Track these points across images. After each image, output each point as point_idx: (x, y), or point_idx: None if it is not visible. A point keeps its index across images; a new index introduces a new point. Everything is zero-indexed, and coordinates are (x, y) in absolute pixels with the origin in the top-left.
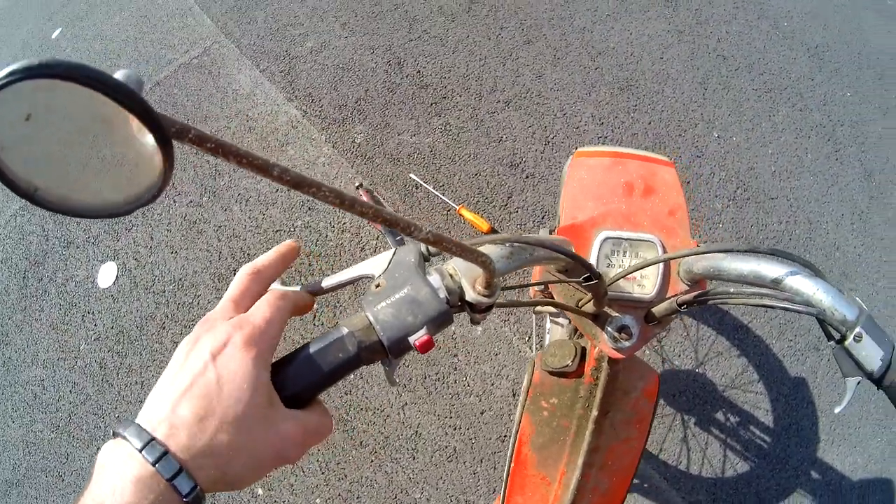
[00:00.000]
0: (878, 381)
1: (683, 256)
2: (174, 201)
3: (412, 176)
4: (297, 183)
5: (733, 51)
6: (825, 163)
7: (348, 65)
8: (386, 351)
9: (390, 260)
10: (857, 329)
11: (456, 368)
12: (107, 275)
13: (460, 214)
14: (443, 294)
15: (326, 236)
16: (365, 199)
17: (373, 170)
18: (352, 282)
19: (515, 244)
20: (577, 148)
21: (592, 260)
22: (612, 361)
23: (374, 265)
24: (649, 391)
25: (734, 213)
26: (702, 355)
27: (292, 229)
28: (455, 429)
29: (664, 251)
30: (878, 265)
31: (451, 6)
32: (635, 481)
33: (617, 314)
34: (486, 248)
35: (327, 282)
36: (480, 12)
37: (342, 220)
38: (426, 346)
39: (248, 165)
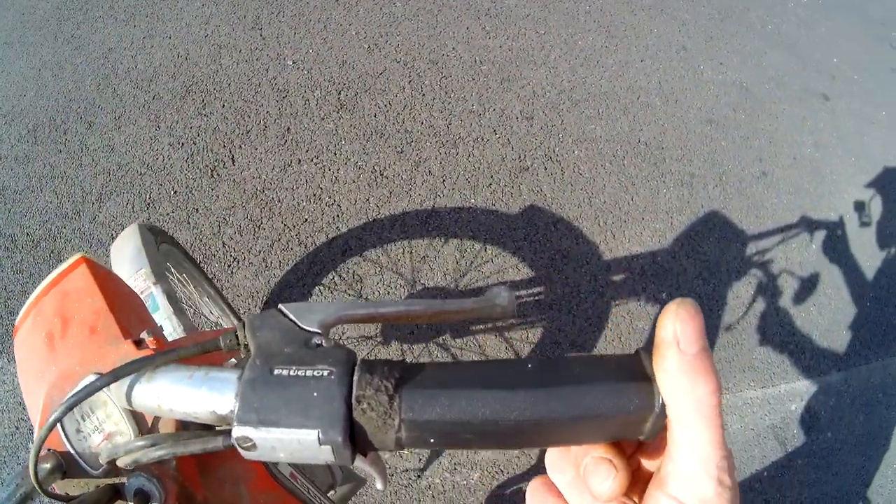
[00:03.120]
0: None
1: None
2: None
3: None
4: None
5: None
6: (426, 23)
7: None
8: None
9: None
10: (238, 430)
11: None
12: None
13: None
14: None
15: None
16: None
17: None
18: None
19: None
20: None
21: (70, 448)
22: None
23: None
24: (258, 482)
25: (350, 120)
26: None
27: None
28: None
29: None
30: (539, 65)
31: (19, 148)
32: None
33: (125, 480)
34: None
35: None
36: (44, 134)
37: None
38: None
39: None
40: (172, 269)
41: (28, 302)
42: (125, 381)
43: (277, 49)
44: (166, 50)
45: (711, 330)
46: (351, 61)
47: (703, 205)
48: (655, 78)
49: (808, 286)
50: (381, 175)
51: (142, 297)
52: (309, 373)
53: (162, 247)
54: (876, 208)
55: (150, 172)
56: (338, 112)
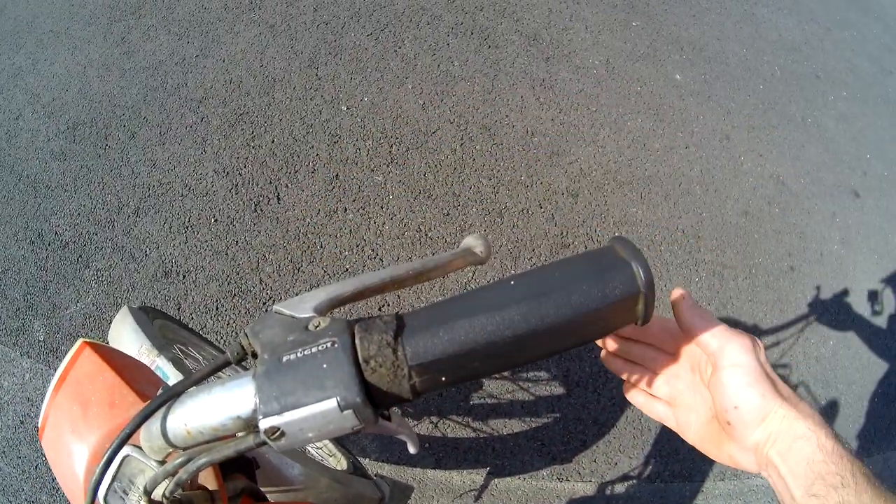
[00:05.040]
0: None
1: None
2: None
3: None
4: None
5: (334, 10)
6: (482, 63)
7: (4, 265)
8: None
9: None
10: (264, 422)
11: None
12: None
13: None
14: None
15: None
16: None
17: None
18: None
19: None
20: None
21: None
22: None
23: None
24: None
25: (399, 175)
26: None
27: None
28: None
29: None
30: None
31: (56, 144)
32: None
33: None
34: None
35: None
36: (84, 134)
37: None
38: None
39: None
40: (174, 345)
41: (44, 404)
42: (156, 420)
43: (333, 92)
44: (219, 73)
45: None
46: (405, 115)
47: (731, 296)
48: (698, 166)
49: (823, 381)
50: (426, 235)
51: None
52: (314, 349)
53: (156, 322)
54: (888, 300)
55: (191, 195)
56: (388, 165)
